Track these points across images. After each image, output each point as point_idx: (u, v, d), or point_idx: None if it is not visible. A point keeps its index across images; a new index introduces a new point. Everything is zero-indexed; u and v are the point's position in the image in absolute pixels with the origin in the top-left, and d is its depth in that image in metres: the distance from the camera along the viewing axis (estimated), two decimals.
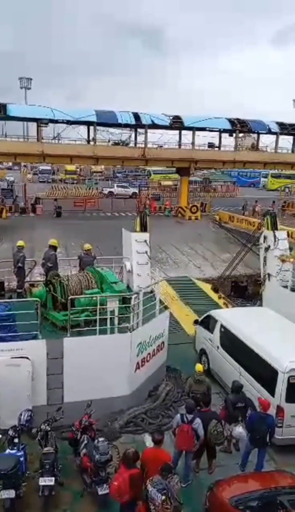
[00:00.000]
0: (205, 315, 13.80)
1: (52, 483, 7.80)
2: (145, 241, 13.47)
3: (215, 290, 20.13)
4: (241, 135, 40.36)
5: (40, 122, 32.07)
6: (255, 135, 41.26)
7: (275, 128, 37.85)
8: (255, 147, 40.90)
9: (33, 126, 33.46)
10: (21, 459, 7.90)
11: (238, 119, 36.92)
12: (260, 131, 39.04)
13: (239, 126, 36.81)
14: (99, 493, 7.86)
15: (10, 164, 73.63)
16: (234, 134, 37.89)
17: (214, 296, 19.55)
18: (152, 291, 12.10)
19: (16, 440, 8.13)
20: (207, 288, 20.43)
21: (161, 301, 12.12)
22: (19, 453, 7.97)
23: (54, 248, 13.29)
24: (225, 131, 38.05)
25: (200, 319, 13.99)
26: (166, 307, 12.55)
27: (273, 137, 38.89)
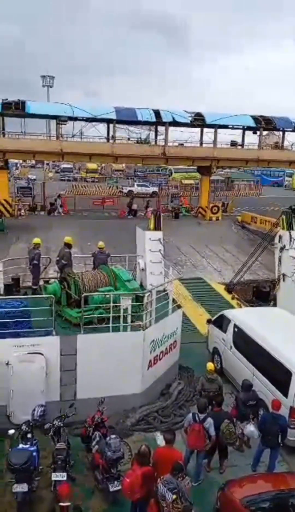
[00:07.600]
0: (218, 314, 13.72)
1: (64, 478, 7.87)
2: (159, 239, 13.42)
3: (229, 291, 19.93)
4: (265, 133, 39.34)
5: (59, 119, 31.80)
6: (280, 133, 39.71)
7: None
8: (279, 146, 39.75)
9: (54, 124, 33.03)
10: (34, 454, 8.00)
11: (262, 116, 35.59)
12: (285, 129, 37.49)
13: (263, 124, 35.43)
14: (111, 490, 7.93)
15: (34, 162, 74.34)
16: (258, 132, 36.56)
17: (227, 296, 19.41)
18: (165, 290, 12.07)
19: (29, 435, 8.24)
20: (220, 288, 20.28)
21: (174, 300, 12.11)
22: (32, 448, 8.07)
23: (69, 245, 13.42)
24: (248, 128, 36.79)
25: (213, 319, 13.91)
26: (179, 306, 12.51)
27: None
